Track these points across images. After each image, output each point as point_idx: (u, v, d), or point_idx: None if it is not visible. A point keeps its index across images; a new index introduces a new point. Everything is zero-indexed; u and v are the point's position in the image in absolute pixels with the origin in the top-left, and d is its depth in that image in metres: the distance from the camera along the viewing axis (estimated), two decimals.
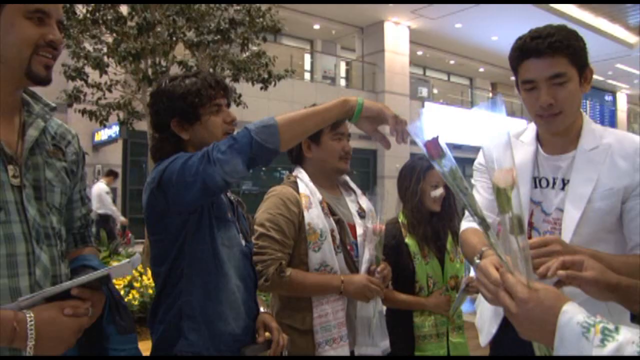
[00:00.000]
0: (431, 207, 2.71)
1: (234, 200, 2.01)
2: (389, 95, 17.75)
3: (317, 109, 1.70)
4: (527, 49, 1.69)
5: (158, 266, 1.84)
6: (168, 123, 1.86)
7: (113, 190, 12.63)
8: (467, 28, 18.24)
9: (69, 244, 1.53)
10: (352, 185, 2.54)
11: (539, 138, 1.89)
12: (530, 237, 1.76)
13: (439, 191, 2.71)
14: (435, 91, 21.55)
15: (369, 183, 17.23)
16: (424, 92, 20.10)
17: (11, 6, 1.31)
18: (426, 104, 19.02)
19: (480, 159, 2.01)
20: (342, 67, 19.53)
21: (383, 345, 2.32)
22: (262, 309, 2.02)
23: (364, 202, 2.46)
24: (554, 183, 1.81)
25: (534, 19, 16.33)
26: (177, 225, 1.76)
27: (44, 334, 1.22)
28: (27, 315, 1.22)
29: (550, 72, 1.67)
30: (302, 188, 2.30)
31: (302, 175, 2.35)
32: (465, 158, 5.85)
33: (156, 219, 1.80)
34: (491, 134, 1.96)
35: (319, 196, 2.28)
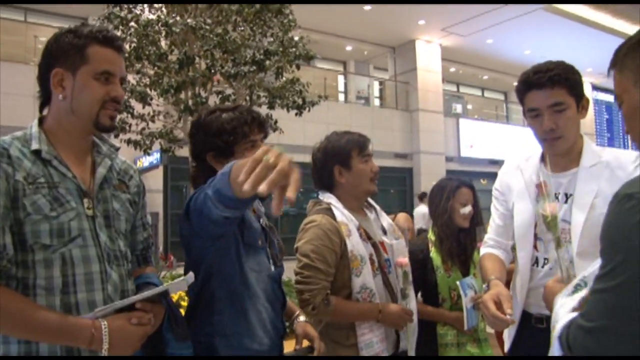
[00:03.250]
0: (460, 224, 2.90)
1: (266, 226, 2.13)
2: (423, 112, 17.68)
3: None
4: (530, 82, 1.95)
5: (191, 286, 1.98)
6: (205, 156, 2.01)
7: (155, 215, 12.96)
8: (498, 43, 18.16)
9: (132, 264, 1.77)
10: (372, 202, 2.64)
11: (544, 159, 2.11)
12: (535, 247, 2.02)
13: (468, 208, 2.90)
14: (469, 107, 21.43)
15: (405, 201, 17.21)
16: (458, 108, 20.03)
17: (84, 69, 1.60)
18: (461, 120, 18.98)
19: (497, 184, 2.25)
20: (376, 87, 19.52)
21: None
22: (302, 318, 2.23)
23: (385, 219, 2.60)
24: (556, 197, 2.02)
25: (564, 30, 16.28)
26: (204, 250, 1.87)
27: (116, 339, 1.47)
28: (102, 323, 1.47)
29: (550, 101, 1.92)
30: (339, 216, 2.37)
31: (334, 202, 2.42)
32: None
33: (185, 243, 1.93)
34: (506, 160, 2.27)
35: (355, 222, 2.38)
